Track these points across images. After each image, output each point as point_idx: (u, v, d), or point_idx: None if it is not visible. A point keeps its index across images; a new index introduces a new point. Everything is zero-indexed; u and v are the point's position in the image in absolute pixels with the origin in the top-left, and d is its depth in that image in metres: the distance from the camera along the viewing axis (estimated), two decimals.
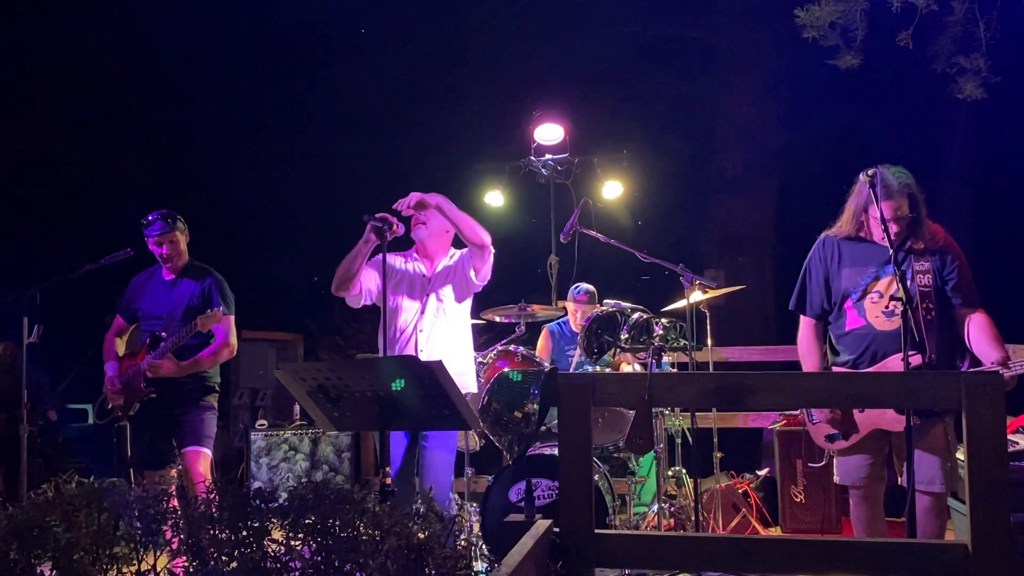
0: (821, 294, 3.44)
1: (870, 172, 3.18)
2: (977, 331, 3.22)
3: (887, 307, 3.26)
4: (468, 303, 3.92)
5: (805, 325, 3.52)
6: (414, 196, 3.67)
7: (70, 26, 9.22)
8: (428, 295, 3.80)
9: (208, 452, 4.23)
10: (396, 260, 3.87)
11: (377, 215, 3.54)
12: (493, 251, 3.74)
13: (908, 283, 3.20)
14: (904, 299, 2.96)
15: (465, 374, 3.83)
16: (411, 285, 3.82)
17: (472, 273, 3.77)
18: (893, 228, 3.21)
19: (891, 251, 3.09)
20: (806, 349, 3.50)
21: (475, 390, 3.93)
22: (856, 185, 3.36)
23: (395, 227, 3.57)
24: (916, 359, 3.08)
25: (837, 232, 3.42)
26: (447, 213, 3.69)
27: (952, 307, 3.28)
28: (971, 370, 3.08)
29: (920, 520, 3.16)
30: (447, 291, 3.82)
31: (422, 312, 3.76)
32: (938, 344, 3.16)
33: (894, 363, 3.19)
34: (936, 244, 3.27)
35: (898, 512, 4.22)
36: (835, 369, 3.41)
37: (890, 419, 3.23)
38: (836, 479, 3.48)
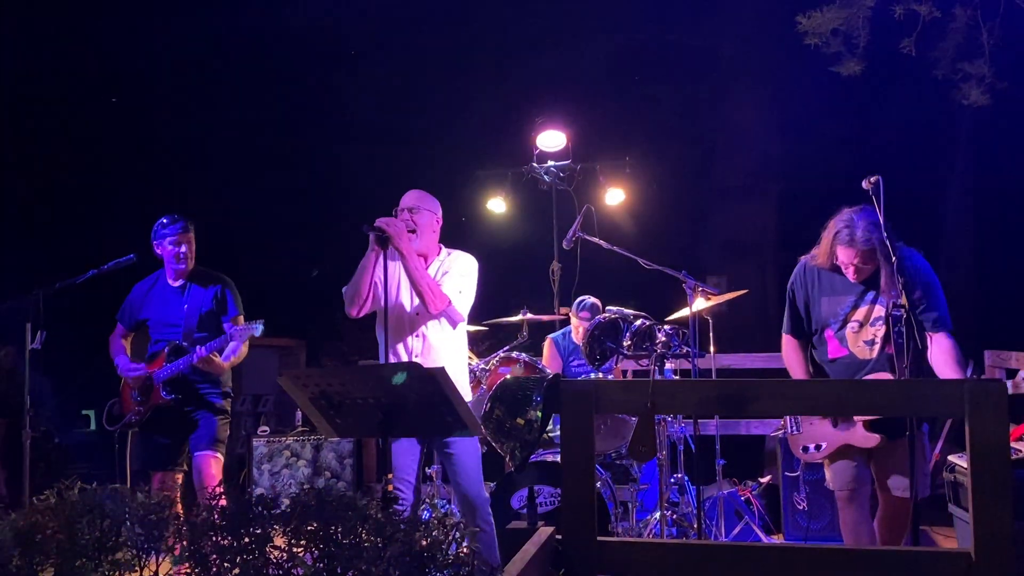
0: (802, 318, 3.59)
1: (872, 179, 3.21)
2: (940, 354, 3.31)
3: (868, 337, 3.40)
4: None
5: (788, 342, 3.67)
6: (394, 230, 3.53)
7: (71, 29, 9.24)
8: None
9: (220, 457, 4.28)
10: (391, 264, 3.79)
11: (376, 223, 3.52)
12: (452, 303, 3.65)
13: (885, 311, 3.32)
14: (895, 317, 3.07)
15: (456, 383, 3.76)
16: (405, 286, 3.75)
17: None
18: (851, 272, 3.37)
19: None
20: (793, 362, 3.65)
21: (469, 398, 3.88)
22: (831, 220, 3.45)
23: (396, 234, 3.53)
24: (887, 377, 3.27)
25: (815, 261, 3.53)
26: (410, 265, 3.58)
27: (921, 332, 3.36)
28: (974, 378, 3.12)
29: (899, 525, 3.37)
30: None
31: (417, 314, 3.70)
32: (908, 369, 3.22)
33: None
34: (910, 280, 3.31)
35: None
36: None
37: (859, 437, 3.37)
38: (828, 484, 3.60)
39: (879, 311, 3.36)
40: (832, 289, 3.47)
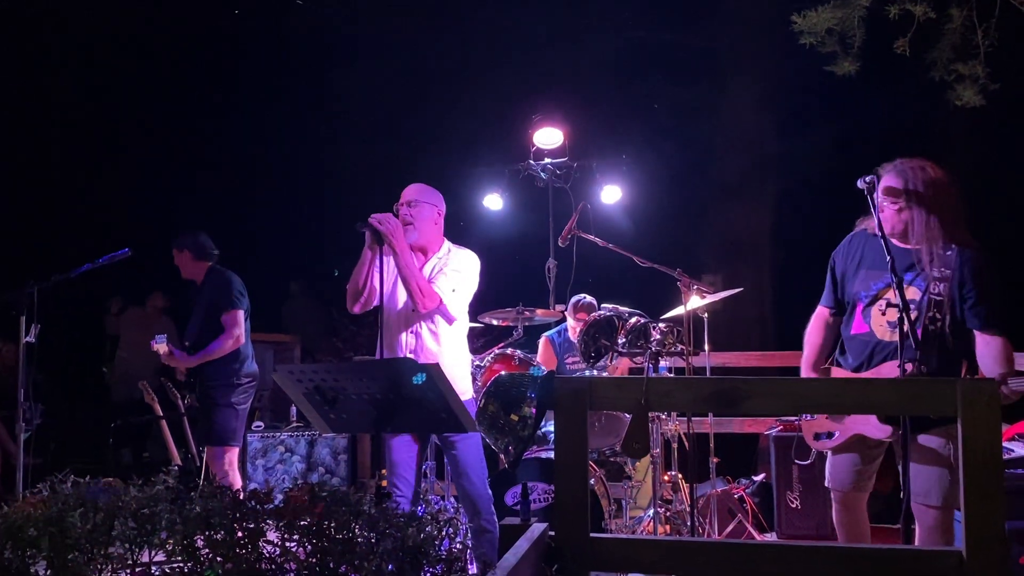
0: (838, 290, 3.39)
1: (868, 179, 3.08)
2: (986, 350, 3.07)
3: (892, 318, 3.11)
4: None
5: (818, 313, 3.46)
6: (387, 227, 3.50)
7: (70, 25, 9.23)
8: None
9: (220, 448, 4.75)
10: (388, 260, 3.64)
11: (370, 219, 3.49)
12: (444, 300, 3.61)
13: (922, 293, 3.11)
14: (900, 306, 2.93)
15: (457, 380, 3.65)
16: (401, 283, 3.69)
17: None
18: (891, 216, 3.15)
19: (912, 256, 3.05)
20: (809, 336, 3.46)
21: (469, 396, 3.79)
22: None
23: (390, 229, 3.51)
24: (908, 368, 3.01)
25: (869, 226, 3.28)
26: (400, 263, 3.55)
27: (958, 331, 3.12)
28: (967, 377, 3.06)
29: (920, 536, 3.09)
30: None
31: (412, 310, 3.64)
32: (938, 356, 3.05)
33: (887, 369, 3.15)
34: (965, 253, 3.10)
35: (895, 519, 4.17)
36: (836, 372, 3.36)
37: (872, 427, 3.17)
38: (827, 482, 3.39)
39: (914, 293, 3.12)
40: (872, 263, 3.24)
